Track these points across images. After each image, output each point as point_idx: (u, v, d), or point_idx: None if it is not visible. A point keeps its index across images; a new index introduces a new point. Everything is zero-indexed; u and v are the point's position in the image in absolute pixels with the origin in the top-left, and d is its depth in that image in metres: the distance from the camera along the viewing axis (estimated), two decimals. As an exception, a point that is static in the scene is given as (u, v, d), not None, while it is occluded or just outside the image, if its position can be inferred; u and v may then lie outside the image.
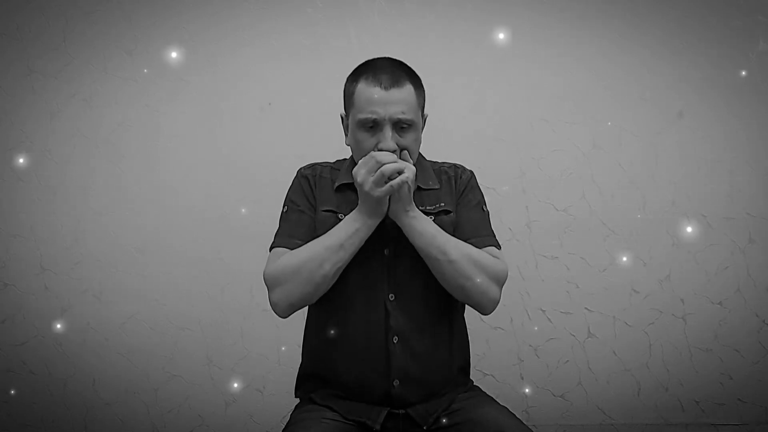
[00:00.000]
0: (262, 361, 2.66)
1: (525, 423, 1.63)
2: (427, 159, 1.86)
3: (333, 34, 2.65)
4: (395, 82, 1.64)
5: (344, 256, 1.63)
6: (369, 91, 1.64)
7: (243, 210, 2.65)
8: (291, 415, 1.75)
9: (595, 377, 2.65)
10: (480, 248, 1.70)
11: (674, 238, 2.63)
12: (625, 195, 2.64)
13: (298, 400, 1.83)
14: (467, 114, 2.64)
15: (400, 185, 1.59)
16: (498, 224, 2.49)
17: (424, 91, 1.74)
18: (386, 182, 1.59)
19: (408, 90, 1.66)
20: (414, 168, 1.63)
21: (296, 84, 2.64)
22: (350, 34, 2.65)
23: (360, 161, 1.63)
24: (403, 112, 1.63)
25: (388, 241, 1.69)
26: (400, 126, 1.65)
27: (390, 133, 1.63)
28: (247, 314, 2.65)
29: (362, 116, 1.64)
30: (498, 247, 1.75)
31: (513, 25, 2.63)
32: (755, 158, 2.62)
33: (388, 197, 1.62)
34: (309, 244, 1.67)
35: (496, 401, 1.73)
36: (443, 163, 1.86)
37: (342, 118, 1.76)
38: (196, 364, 2.67)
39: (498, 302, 1.69)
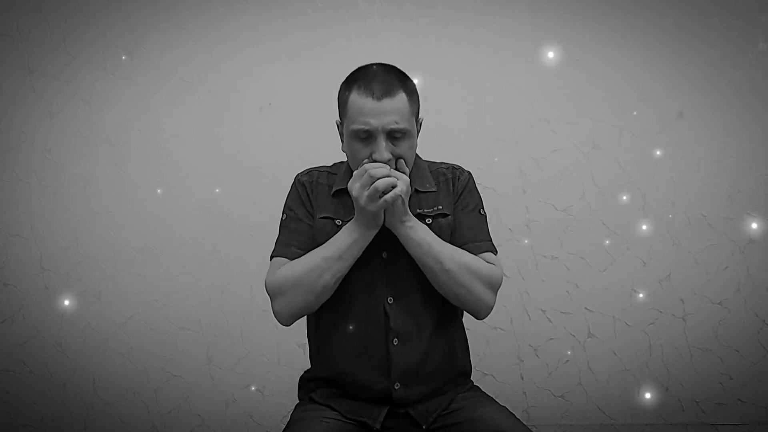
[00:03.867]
0: (262, 361, 2.67)
1: (525, 423, 1.64)
2: (425, 159, 1.85)
3: (333, 34, 2.65)
4: (387, 92, 1.62)
5: (343, 266, 1.65)
6: (361, 102, 1.62)
7: (243, 210, 2.65)
8: (291, 414, 1.75)
9: (595, 377, 2.65)
10: (476, 254, 1.71)
11: (674, 238, 2.63)
12: (625, 195, 2.64)
13: (298, 400, 1.84)
14: (467, 114, 2.64)
15: (394, 199, 1.59)
16: (498, 224, 2.48)
17: (418, 96, 1.71)
18: (380, 197, 1.59)
19: (401, 99, 1.63)
20: (408, 179, 1.63)
21: (296, 84, 2.64)
22: (350, 34, 2.65)
23: (354, 174, 1.63)
24: (396, 122, 1.62)
25: (385, 245, 1.69)
26: (394, 135, 1.64)
27: (384, 144, 1.63)
28: (247, 314, 2.65)
29: (355, 127, 1.63)
30: (494, 251, 1.76)
31: (513, 25, 2.63)
32: (755, 158, 2.62)
33: (383, 210, 1.63)
34: (308, 254, 1.68)
35: (495, 401, 1.74)
36: (441, 163, 1.84)
37: (337, 124, 1.75)
38: (196, 364, 2.67)
39: (492, 307, 1.72)
